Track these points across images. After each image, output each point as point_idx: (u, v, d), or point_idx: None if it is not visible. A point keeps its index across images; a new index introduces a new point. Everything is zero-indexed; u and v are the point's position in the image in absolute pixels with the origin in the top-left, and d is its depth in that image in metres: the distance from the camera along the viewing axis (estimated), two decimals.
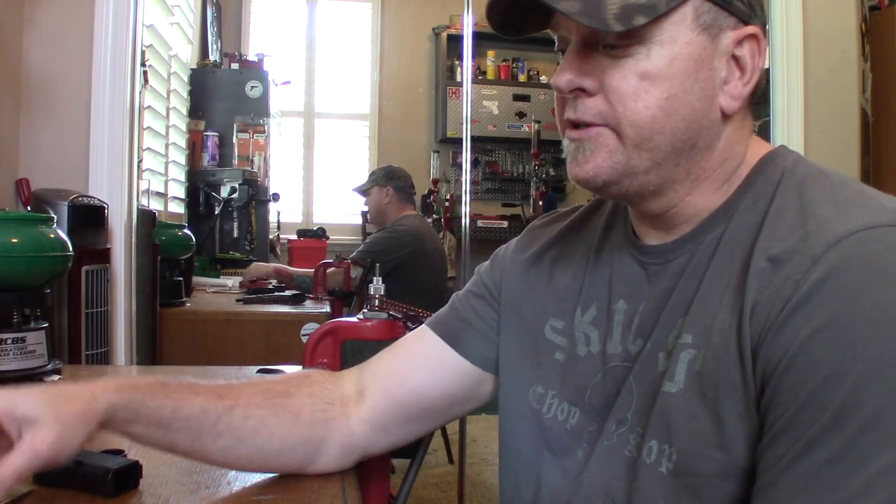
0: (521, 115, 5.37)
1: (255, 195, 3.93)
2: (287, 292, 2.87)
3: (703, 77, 0.66)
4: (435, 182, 5.28)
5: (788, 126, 2.40)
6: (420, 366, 0.86)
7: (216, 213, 3.80)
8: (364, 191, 3.43)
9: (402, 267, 3.14)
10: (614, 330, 0.74)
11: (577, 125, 0.69)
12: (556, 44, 0.72)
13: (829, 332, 0.56)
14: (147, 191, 2.89)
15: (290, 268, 3.31)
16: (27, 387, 0.67)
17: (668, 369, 0.66)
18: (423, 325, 0.90)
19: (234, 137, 4.05)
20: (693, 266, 0.69)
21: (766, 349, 0.59)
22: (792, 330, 0.57)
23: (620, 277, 0.76)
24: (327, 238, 4.73)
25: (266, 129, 4.11)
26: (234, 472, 0.82)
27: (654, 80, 0.65)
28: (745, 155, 0.71)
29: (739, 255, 0.65)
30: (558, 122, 0.72)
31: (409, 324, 1.14)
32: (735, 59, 0.68)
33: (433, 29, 5.50)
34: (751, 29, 0.67)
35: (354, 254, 3.15)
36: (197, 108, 4.02)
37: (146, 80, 2.70)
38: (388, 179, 3.35)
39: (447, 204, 5.11)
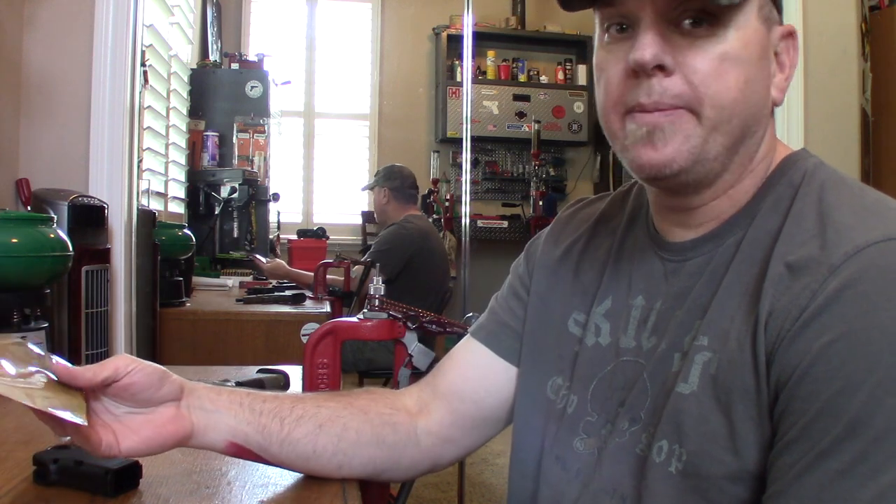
0: (521, 115, 5.37)
1: (255, 195, 3.93)
2: (287, 292, 2.87)
3: (765, 65, 0.68)
4: (435, 182, 5.28)
5: (788, 126, 2.40)
6: (472, 377, 0.88)
7: (216, 213, 3.80)
8: (370, 189, 3.48)
9: (409, 266, 3.15)
10: (629, 324, 0.74)
11: (648, 109, 0.66)
12: (608, 22, 0.68)
13: (845, 342, 0.55)
14: (147, 191, 2.89)
15: (305, 272, 3.28)
16: None
17: (683, 370, 0.65)
18: (469, 335, 0.91)
19: (234, 137, 4.06)
20: (712, 268, 0.69)
21: (781, 357, 0.59)
22: (807, 339, 0.57)
23: (640, 273, 0.76)
24: (327, 238, 4.74)
25: (266, 129, 4.12)
26: (234, 472, 0.82)
27: (734, 62, 0.65)
28: (775, 156, 0.72)
29: (758, 260, 0.64)
30: (609, 108, 0.69)
31: (409, 324, 1.14)
32: (776, 54, 0.69)
33: (433, 29, 5.49)
34: (790, 27, 0.70)
35: (366, 256, 3.15)
36: (197, 108, 4.02)
37: (146, 80, 2.70)
38: (386, 180, 3.37)
39: (447, 204, 5.12)
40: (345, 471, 0.80)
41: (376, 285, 1.19)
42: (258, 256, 3.47)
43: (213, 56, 4.50)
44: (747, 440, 0.60)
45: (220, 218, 3.83)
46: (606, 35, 0.69)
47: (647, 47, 0.64)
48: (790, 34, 0.70)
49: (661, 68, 0.64)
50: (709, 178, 0.68)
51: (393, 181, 3.37)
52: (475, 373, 0.88)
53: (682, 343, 0.67)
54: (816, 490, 0.55)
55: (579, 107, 5.44)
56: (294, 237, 4.74)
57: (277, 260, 3.51)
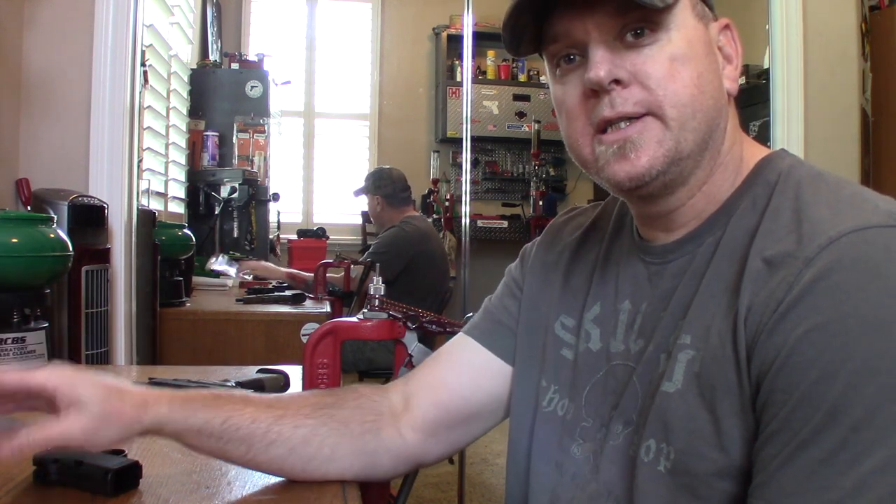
0: (521, 115, 5.37)
1: (255, 195, 3.93)
2: (287, 292, 2.87)
3: (713, 59, 0.70)
4: (435, 182, 5.28)
5: (788, 126, 2.40)
6: (463, 372, 0.88)
7: (216, 213, 3.80)
8: (362, 194, 3.46)
9: (408, 268, 3.14)
10: (618, 329, 0.76)
11: (608, 125, 0.68)
12: (559, 55, 0.71)
13: (821, 332, 0.56)
14: (147, 191, 2.89)
15: (303, 273, 3.26)
16: (95, 371, 0.72)
17: (667, 369, 0.66)
18: (461, 333, 0.91)
19: (234, 137, 4.05)
20: (693, 268, 0.70)
21: (760, 350, 0.59)
22: (784, 331, 0.58)
23: (626, 277, 0.77)
24: (327, 238, 4.74)
25: (266, 129, 4.12)
26: (234, 472, 0.82)
27: (683, 60, 0.67)
28: (743, 151, 0.73)
29: (737, 257, 0.66)
30: (578, 135, 0.71)
31: (409, 324, 1.14)
32: (719, 48, 0.72)
33: (433, 29, 5.49)
34: (724, 20, 0.73)
35: (365, 256, 3.15)
36: (197, 108, 4.02)
37: (146, 80, 2.70)
38: (377, 188, 3.35)
39: (447, 204, 5.11)
40: (318, 479, 0.80)
41: (376, 285, 1.19)
42: (249, 262, 3.43)
43: (213, 56, 4.50)
44: (732, 435, 0.61)
45: (220, 218, 3.83)
46: (558, 70, 0.72)
47: (601, 64, 0.67)
48: (727, 27, 0.73)
49: (617, 82, 0.67)
50: (683, 177, 0.70)
51: (385, 188, 3.34)
52: (467, 368, 0.88)
53: (666, 343, 0.68)
54: (798, 479, 0.56)
55: None
56: (294, 237, 4.74)
57: (263, 263, 3.46)
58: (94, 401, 0.68)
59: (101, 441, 0.69)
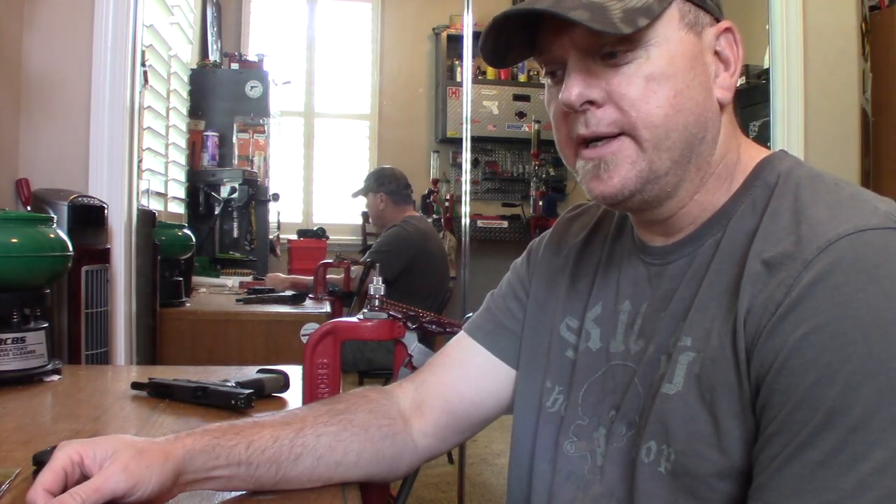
0: (521, 115, 5.37)
1: (255, 195, 3.93)
2: (287, 292, 2.87)
3: (699, 72, 0.69)
4: (435, 182, 5.28)
5: (788, 126, 2.40)
6: (472, 379, 0.89)
7: (216, 213, 3.80)
8: (363, 194, 3.46)
9: (408, 268, 3.14)
10: (618, 329, 0.76)
11: (589, 142, 0.69)
12: (545, 68, 0.72)
13: (820, 334, 0.56)
14: (147, 191, 2.89)
15: (303, 277, 3.27)
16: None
17: (668, 371, 0.67)
18: (466, 335, 0.91)
19: (234, 137, 4.06)
20: (693, 270, 0.70)
21: (760, 352, 0.60)
22: (783, 333, 0.58)
23: (626, 278, 0.78)
24: (327, 238, 4.74)
25: (266, 129, 4.12)
26: None
27: (660, 80, 0.66)
28: (741, 154, 0.73)
29: (736, 259, 0.66)
30: (562, 145, 0.73)
31: (409, 324, 1.14)
32: (717, 53, 0.71)
33: (433, 29, 5.49)
34: (725, 23, 0.71)
35: (366, 256, 3.15)
36: (197, 108, 4.02)
37: (146, 80, 2.70)
38: (380, 186, 3.35)
39: (447, 204, 5.12)
40: (342, 482, 0.81)
41: (376, 285, 1.19)
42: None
43: (213, 56, 4.50)
44: (732, 437, 0.61)
45: (220, 218, 3.83)
46: (548, 79, 0.73)
47: (573, 88, 0.67)
48: (727, 30, 0.71)
49: (591, 103, 0.67)
50: (667, 191, 0.70)
51: (388, 185, 3.34)
52: (476, 374, 0.89)
53: (667, 345, 0.69)
54: (797, 481, 0.56)
55: None
56: (294, 237, 4.74)
57: (277, 276, 3.47)
58: (124, 447, 0.65)
59: (144, 478, 0.63)
